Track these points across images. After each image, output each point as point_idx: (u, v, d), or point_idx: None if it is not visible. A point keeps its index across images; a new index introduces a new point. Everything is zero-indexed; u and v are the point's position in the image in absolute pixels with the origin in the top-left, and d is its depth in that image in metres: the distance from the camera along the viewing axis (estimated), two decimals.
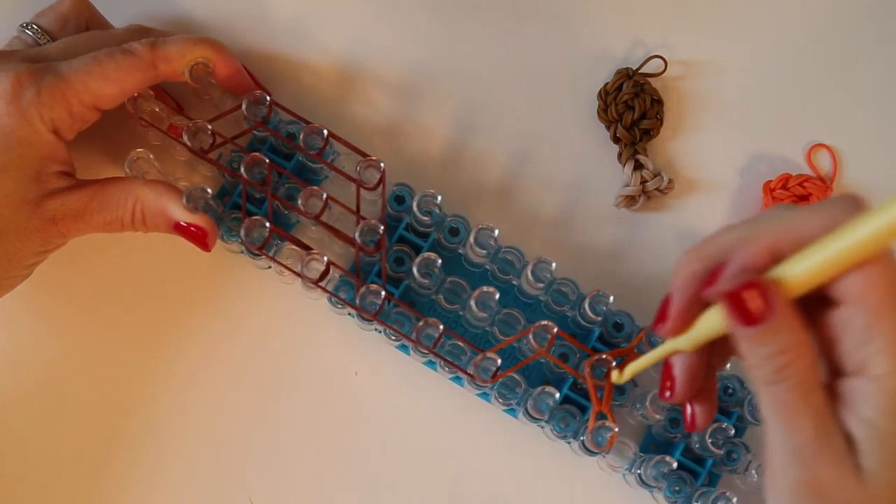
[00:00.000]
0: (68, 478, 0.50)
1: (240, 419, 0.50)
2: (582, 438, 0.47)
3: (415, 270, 0.46)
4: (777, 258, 0.32)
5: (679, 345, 0.37)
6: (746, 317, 0.32)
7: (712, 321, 0.35)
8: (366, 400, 0.51)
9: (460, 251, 0.50)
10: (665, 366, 0.39)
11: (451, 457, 0.50)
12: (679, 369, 0.38)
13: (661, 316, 0.37)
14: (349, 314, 0.49)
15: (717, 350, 0.39)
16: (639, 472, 0.47)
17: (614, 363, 0.45)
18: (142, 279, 0.51)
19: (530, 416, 0.47)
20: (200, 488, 0.50)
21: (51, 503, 0.50)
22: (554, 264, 0.47)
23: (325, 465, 0.50)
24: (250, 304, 0.51)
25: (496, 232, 0.47)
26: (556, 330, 0.45)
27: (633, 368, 0.43)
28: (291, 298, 0.51)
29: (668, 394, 0.39)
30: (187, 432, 0.50)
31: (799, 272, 0.31)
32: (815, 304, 0.33)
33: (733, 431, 0.47)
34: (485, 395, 0.49)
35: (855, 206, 0.31)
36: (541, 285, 0.47)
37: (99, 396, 0.50)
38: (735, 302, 0.32)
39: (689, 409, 0.40)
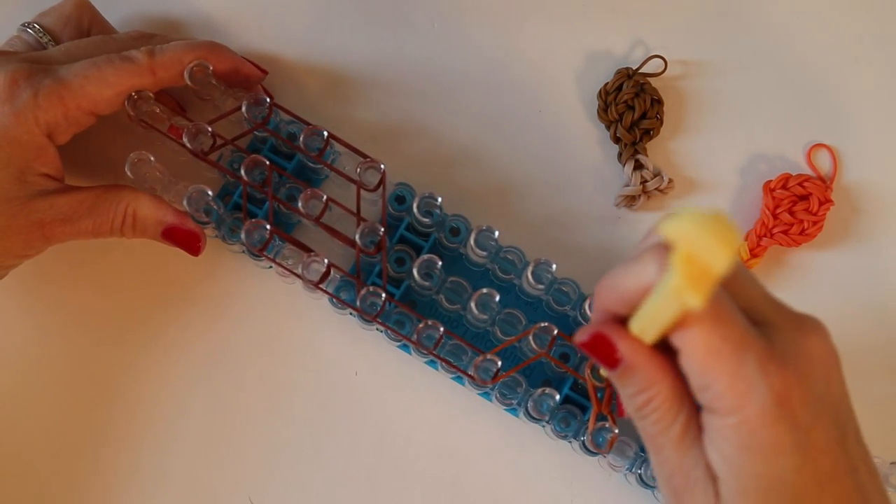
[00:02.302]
0: (68, 477, 0.50)
1: (239, 419, 0.50)
2: (582, 439, 0.47)
3: (415, 272, 0.47)
4: (614, 314, 0.34)
5: None
6: (605, 362, 0.34)
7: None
8: (366, 400, 0.51)
9: (461, 251, 0.50)
10: None
11: (451, 456, 0.50)
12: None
13: None
14: (350, 314, 0.49)
15: None
16: (639, 471, 0.47)
17: None
18: (142, 278, 0.51)
19: (531, 416, 0.47)
20: (200, 488, 0.50)
21: (50, 502, 0.50)
22: (554, 266, 0.47)
23: (325, 465, 0.50)
24: (250, 304, 0.51)
25: (496, 233, 0.47)
26: (556, 332, 0.45)
27: None
28: (292, 298, 0.51)
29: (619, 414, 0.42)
30: (187, 432, 0.50)
31: (634, 328, 0.33)
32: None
33: None
34: (486, 395, 0.49)
35: (660, 260, 0.31)
36: (541, 286, 0.47)
37: (99, 395, 0.50)
38: (591, 350, 0.34)
39: None
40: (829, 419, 0.32)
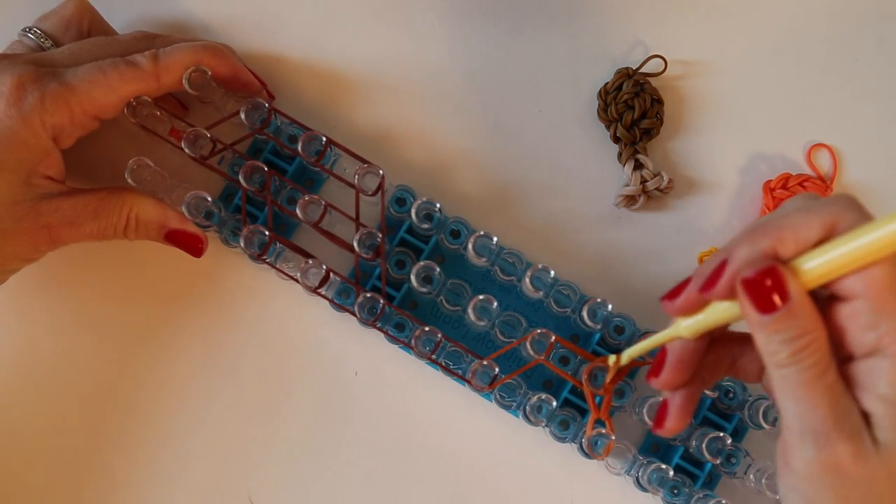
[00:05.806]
0: (68, 476, 0.50)
1: (239, 418, 0.51)
2: (581, 441, 0.47)
3: (413, 279, 0.47)
4: (779, 257, 0.33)
5: (681, 331, 0.37)
6: (764, 305, 0.33)
7: (720, 311, 0.36)
8: (366, 400, 0.51)
9: (462, 251, 0.50)
10: (661, 350, 0.39)
11: (451, 456, 0.51)
12: (672, 354, 0.38)
13: (675, 292, 0.37)
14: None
15: (710, 364, 0.39)
16: (637, 475, 0.47)
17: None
18: (142, 278, 0.52)
19: (529, 420, 0.47)
20: (200, 487, 0.50)
21: (50, 502, 0.50)
22: (552, 272, 0.47)
23: (325, 465, 0.50)
24: (250, 303, 0.52)
25: (495, 239, 0.47)
26: (553, 338, 0.45)
27: (631, 352, 0.42)
28: (292, 297, 0.51)
29: (654, 377, 0.39)
30: (187, 431, 0.51)
31: (810, 269, 0.33)
32: (819, 301, 0.34)
33: (730, 440, 0.47)
34: (486, 395, 0.49)
35: (851, 206, 0.33)
36: (541, 293, 0.47)
37: (99, 395, 0.51)
38: (753, 289, 0.33)
39: (665, 407, 0.40)
40: None
